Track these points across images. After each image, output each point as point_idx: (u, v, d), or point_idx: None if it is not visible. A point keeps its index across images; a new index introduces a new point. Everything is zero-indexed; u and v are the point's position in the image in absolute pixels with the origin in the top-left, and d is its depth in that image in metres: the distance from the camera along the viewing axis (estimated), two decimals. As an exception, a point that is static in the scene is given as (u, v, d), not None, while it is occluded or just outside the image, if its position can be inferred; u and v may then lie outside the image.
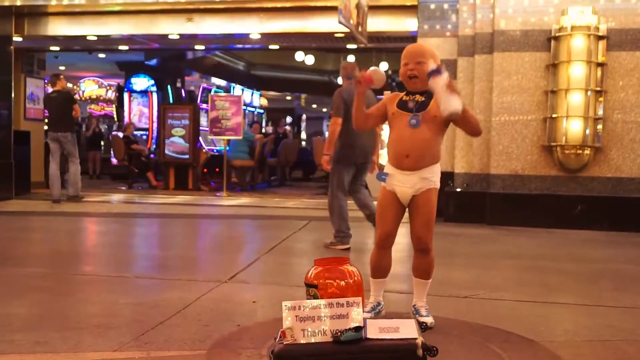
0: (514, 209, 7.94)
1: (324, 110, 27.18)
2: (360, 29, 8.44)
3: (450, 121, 3.01)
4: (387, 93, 4.77)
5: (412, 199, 3.10)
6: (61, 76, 9.78)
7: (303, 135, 24.14)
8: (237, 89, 18.24)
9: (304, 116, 25.09)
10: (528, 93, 7.99)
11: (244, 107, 16.41)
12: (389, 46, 10.72)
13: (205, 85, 16.33)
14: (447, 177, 8.35)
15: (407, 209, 3.16)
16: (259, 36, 10.38)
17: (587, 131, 7.72)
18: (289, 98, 23.72)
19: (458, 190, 8.32)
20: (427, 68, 2.98)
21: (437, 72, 2.86)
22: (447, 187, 8.28)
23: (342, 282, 2.61)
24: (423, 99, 3.07)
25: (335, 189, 5.77)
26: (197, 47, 12.25)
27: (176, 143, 12.28)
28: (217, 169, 12.98)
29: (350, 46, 11.68)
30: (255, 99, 20.13)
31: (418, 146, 3.03)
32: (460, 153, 8.47)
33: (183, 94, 15.69)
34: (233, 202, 10.12)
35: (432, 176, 3.08)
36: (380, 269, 3.21)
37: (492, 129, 8.09)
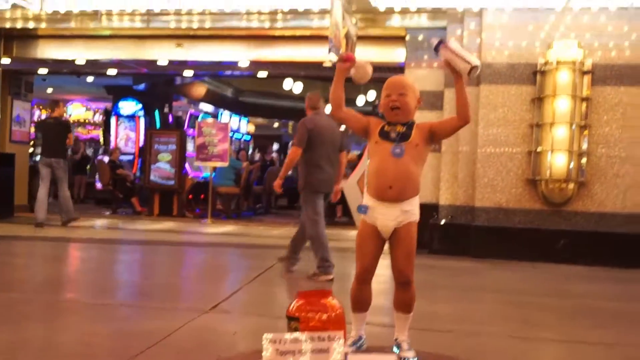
0: (498, 242, 7.89)
1: None
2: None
3: (468, 76, 2.99)
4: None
5: (393, 231, 3.08)
6: (60, 103, 9.78)
7: None
8: (224, 115, 18.18)
9: (291, 143, 24.85)
10: (513, 126, 7.97)
11: (231, 134, 16.21)
12: (377, 76, 10.18)
13: (192, 110, 16.30)
14: (431, 209, 8.27)
15: (387, 242, 3.14)
16: (248, 63, 10.39)
17: (572, 165, 7.69)
18: (276, 125, 23.52)
19: (442, 222, 8.22)
20: (409, 100, 3.07)
21: (441, 43, 2.92)
22: (431, 219, 8.19)
23: (324, 316, 2.59)
24: (404, 129, 3.09)
25: (312, 217, 5.75)
26: (185, 72, 12.23)
27: (162, 168, 12.20)
28: (202, 196, 12.81)
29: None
30: (243, 125, 20.06)
31: (401, 177, 3.03)
32: (445, 185, 8.40)
33: (170, 119, 15.63)
34: (218, 230, 10.03)
35: (413, 208, 3.09)
36: (361, 303, 3.18)
37: (478, 161, 8.04)
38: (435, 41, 3.03)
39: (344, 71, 3.18)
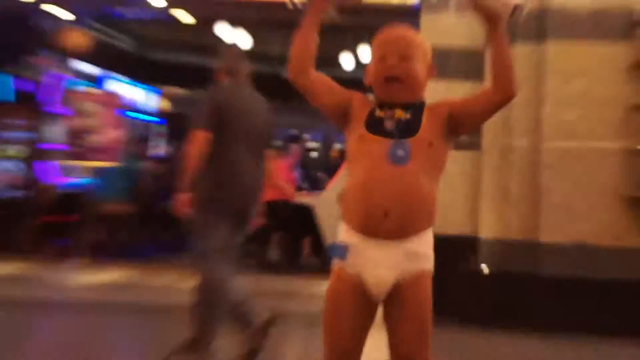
0: (580, 306, 7.70)
1: None
2: None
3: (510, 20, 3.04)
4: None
5: (392, 290, 3.03)
6: None
7: None
8: (118, 84, 17.98)
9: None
10: (602, 108, 7.84)
11: (129, 114, 16.00)
12: (375, 23, 10.51)
13: (65, 75, 16.07)
14: (464, 246, 8.13)
15: (380, 308, 3.13)
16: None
17: None
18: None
19: (485, 270, 8.05)
20: (416, 67, 3.10)
21: None
22: (465, 264, 8.00)
23: None
24: (409, 115, 3.05)
25: (206, 255, 5.66)
26: (55, 10, 12.43)
27: (3, 171, 12.17)
28: (72, 218, 12.55)
29: None
30: (150, 99, 20.14)
31: (405, 198, 2.98)
32: (488, 206, 8.24)
33: (27, 88, 15.46)
34: (96, 280, 9.77)
35: (426, 250, 3.06)
36: None
37: (543, 166, 7.90)
38: None
39: (321, 4, 3.18)
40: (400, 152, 3.00)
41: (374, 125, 3.08)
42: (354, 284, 3.07)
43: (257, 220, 6.03)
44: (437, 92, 8.41)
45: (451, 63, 8.31)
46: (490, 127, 8.08)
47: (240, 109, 5.89)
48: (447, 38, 8.31)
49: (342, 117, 3.20)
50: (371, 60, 3.20)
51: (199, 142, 5.66)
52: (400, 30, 3.23)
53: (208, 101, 5.80)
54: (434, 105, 3.14)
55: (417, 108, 3.10)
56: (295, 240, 11.65)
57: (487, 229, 8.33)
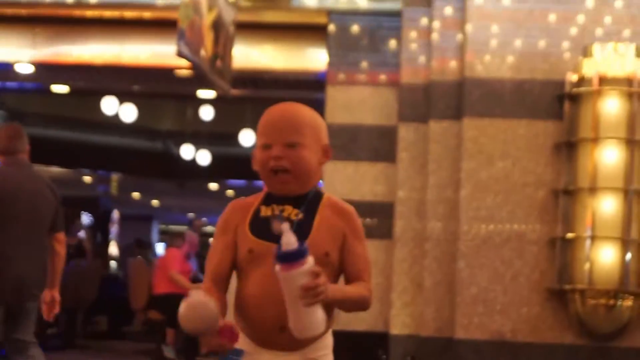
0: None
1: (155, 202, 26.78)
2: (219, 64, 8.59)
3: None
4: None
5: None
6: None
7: (113, 249, 23.62)
8: None
9: (115, 214, 24.90)
10: (524, 193, 7.96)
11: None
12: (277, 95, 10.44)
13: None
14: (374, 343, 8.20)
15: None
16: (33, 67, 10.45)
17: (628, 264, 7.65)
18: (87, 179, 23.43)
19: None
20: (306, 155, 2.93)
21: (293, 255, 2.70)
22: None
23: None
24: (301, 215, 2.94)
25: None
26: None
27: None
28: None
29: (203, 92, 11.91)
30: None
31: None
32: (401, 300, 8.31)
33: None
34: None
35: (325, 354, 3.01)
36: None
37: (460, 256, 7.95)
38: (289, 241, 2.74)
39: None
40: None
41: (259, 229, 2.93)
42: None
43: (46, 310, 5.93)
44: (346, 174, 8.21)
45: (360, 142, 8.25)
46: (402, 212, 8.30)
47: (12, 190, 5.74)
48: (357, 114, 8.37)
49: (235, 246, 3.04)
50: (257, 146, 3.04)
51: None
52: (286, 111, 3.02)
53: None
54: (335, 204, 2.99)
55: (311, 202, 2.97)
56: (191, 336, 10.98)
57: (399, 325, 8.37)
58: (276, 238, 2.82)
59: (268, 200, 3.00)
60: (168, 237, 13.22)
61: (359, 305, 3.00)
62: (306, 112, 3.03)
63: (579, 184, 7.75)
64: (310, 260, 2.72)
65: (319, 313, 2.80)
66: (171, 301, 9.87)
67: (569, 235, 7.69)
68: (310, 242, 2.86)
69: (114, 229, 24.08)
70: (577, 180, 7.77)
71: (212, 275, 3.02)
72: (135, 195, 25.38)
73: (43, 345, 12.78)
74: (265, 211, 2.98)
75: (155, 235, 27.97)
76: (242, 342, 2.97)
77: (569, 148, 7.88)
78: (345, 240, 2.98)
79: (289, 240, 2.69)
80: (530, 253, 7.93)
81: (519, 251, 7.95)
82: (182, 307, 2.83)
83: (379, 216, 8.32)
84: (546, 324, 7.83)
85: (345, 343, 8.60)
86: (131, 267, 12.59)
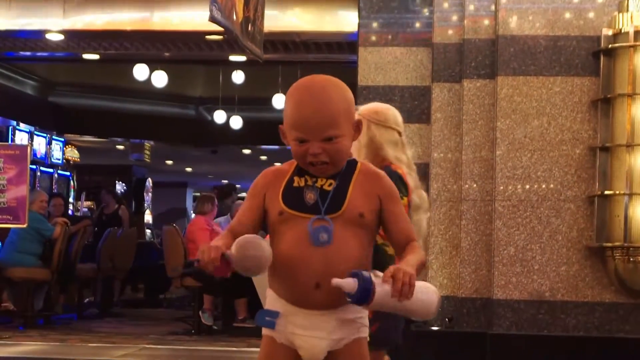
0: None
1: (189, 170, 27.16)
2: (250, 28, 8.54)
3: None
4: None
5: (327, 359, 3.03)
6: None
7: (148, 218, 23.80)
8: (20, 134, 17.77)
9: (150, 182, 24.95)
10: (560, 151, 7.91)
11: (33, 167, 15.95)
12: (308, 58, 11.06)
13: None
14: None
15: None
16: (62, 36, 10.73)
17: None
18: (120, 148, 23.62)
19: (435, 329, 8.07)
20: (342, 144, 3.00)
21: (364, 294, 2.84)
22: (415, 324, 7.84)
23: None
24: (332, 184, 3.02)
25: None
26: None
27: None
28: None
29: (234, 58, 12.19)
30: (57, 150, 19.64)
31: (335, 272, 2.91)
32: (437, 259, 8.28)
33: None
34: (6, 352, 9.45)
35: (362, 315, 3.06)
36: None
37: (496, 216, 7.94)
38: (350, 286, 2.90)
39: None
40: (323, 236, 2.98)
41: (293, 199, 3.03)
42: (285, 354, 3.09)
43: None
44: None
45: (393, 103, 8.30)
46: (438, 173, 8.20)
47: None
48: (389, 76, 8.36)
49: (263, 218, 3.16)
50: (288, 132, 3.06)
51: None
52: (318, 103, 3.02)
53: None
54: (368, 170, 3.08)
55: (345, 172, 3.06)
56: (228, 302, 11.46)
57: (437, 286, 7.83)
58: (307, 208, 3.02)
59: (302, 171, 3.08)
60: (196, 203, 13.25)
61: (422, 267, 3.05)
62: (335, 95, 3.06)
63: (616, 140, 7.69)
64: (375, 280, 2.84)
65: (418, 292, 2.87)
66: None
67: (607, 192, 7.70)
68: (345, 209, 3.01)
69: (148, 197, 24.22)
70: (614, 136, 7.71)
71: (229, 230, 3.13)
72: (169, 162, 25.65)
73: (80, 314, 12.94)
74: (298, 182, 3.08)
75: (189, 202, 28.06)
76: (277, 304, 3.11)
77: (605, 104, 7.81)
78: (381, 203, 3.07)
79: (349, 287, 2.86)
80: (567, 211, 7.90)
81: (556, 210, 7.93)
82: (235, 247, 2.97)
83: (414, 178, 8.30)
84: (585, 282, 7.84)
85: None
86: (166, 234, 12.68)
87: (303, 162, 3.06)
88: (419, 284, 2.87)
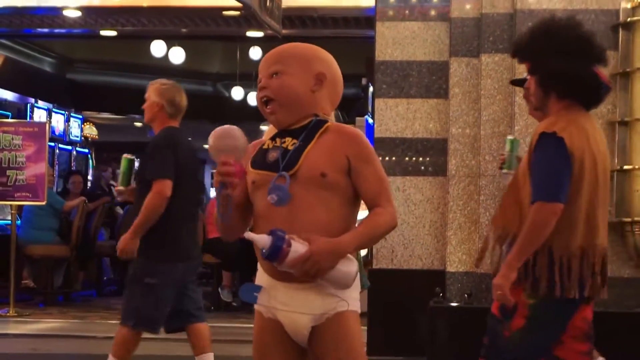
0: None
1: (207, 146, 26.53)
2: (269, 4, 8.61)
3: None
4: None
5: (312, 334, 3.04)
6: None
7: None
8: (39, 111, 17.70)
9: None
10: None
11: (52, 144, 15.93)
12: (326, 34, 11.00)
13: None
14: (432, 280, 8.05)
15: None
16: (79, 13, 10.67)
17: None
18: (138, 125, 23.30)
19: (454, 305, 7.99)
20: (287, 80, 3.06)
21: (274, 251, 2.87)
22: (433, 299, 7.85)
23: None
24: (296, 142, 3.01)
25: None
26: None
27: None
28: None
29: (252, 34, 12.04)
30: (75, 127, 19.66)
31: (299, 233, 2.90)
32: (456, 235, 8.22)
33: None
34: (26, 329, 9.65)
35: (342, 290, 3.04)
36: None
37: None
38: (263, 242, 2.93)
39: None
40: (278, 194, 2.96)
41: (257, 160, 3.08)
42: (273, 328, 3.10)
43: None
44: (397, 112, 8.22)
45: (411, 78, 8.18)
46: (456, 148, 8.17)
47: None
48: (405, 50, 8.34)
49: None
50: None
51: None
52: (279, 47, 3.18)
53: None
54: (340, 130, 3.06)
55: (310, 131, 3.05)
56: (247, 278, 10.98)
57: (456, 262, 8.27)
58: (271, 167, 3.03)
59: (275, 135, 3.14)
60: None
61: (379, 235, 3.11)
62: (298, 46, 3.21)
63: (634, 114, 7.64)
64: (295, 248, 2.87)
65: (333, 274, 2.93)
66: (225, 245, 10.04)
67: (626, 167, 7.63)
68: (304, 166, 3.00)
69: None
70: (633, 111, 7.66)
71: None
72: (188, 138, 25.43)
73: (99, 292, 13.02)
74: (268, 144, 3.13)
75: (207, 179, 27.87)
76: (263, 278, 3.14)
77: (624, 78, 7.72)
78: (350, 164, 3.03)
79: (262, 242, 2.89)
80: None
81: None
82: (217, 130, 3.07)
83: (432, 153, 8.29)
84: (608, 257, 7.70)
85: (402, 282, 8.69)
86: None
87: (259, 105, 3.16)
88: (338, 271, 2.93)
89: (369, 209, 3.04)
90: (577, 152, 3.89)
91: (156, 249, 5.93)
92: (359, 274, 3.11)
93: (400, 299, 8.02)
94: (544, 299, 4.00)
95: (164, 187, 5.75)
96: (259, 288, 3.12)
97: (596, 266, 4.10)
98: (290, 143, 3.06)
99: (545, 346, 3.96)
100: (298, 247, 2.87)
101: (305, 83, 3.08)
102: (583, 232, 4.00)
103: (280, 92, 3.06)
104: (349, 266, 2.95)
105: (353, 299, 3.10)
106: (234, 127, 3.03)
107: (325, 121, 3.07)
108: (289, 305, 3.06)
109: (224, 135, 3.04)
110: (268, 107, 3.10)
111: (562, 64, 3.97)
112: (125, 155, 6.41)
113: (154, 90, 6.16)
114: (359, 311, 3.15)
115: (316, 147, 3.00)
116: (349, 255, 2.95)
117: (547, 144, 3.91)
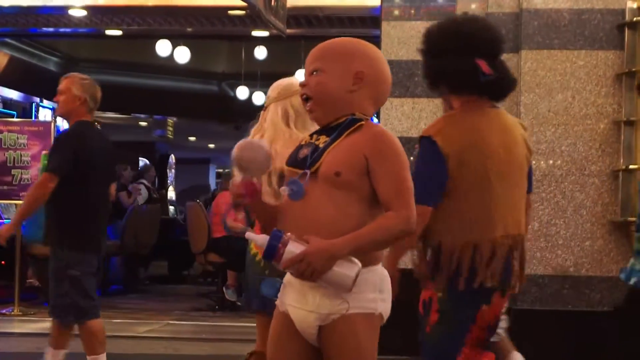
0: (562, 341, 7.63)
1: (212, 146, 26.99)
2: (273, 3, 8.63)
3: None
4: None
5: (320, 334, 2.99)
6: None
7: (171, 194, 23.62)
8: (44, 110, 17.70)
9: (173, 158, 24.81)
10: (584, 125, 7.83)
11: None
12: (331, 33, 10.34)
13: None
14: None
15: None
16: (85, 12, 10.72)
17: None
18: (143, 124, 23.60)
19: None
20: (324, 80, 3.03)
21: (270, 250, 2.88)
22: None
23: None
24: (327, 140, 2.99)
25: None
26: None
27: None
28: (2, 262, 12.48)
29: (257, 33, 12.11)
30: None
31: (309, 229, 2.92)
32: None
33: None
34: (31, 328, 9.68)
35: (357, 291, 2.96)
36: None
37: None
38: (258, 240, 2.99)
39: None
40: (293, 187, 2.98)
41: (292, 156, 3.10)
42: (287, 322, 3.08)
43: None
44: (402, 111, 8.21)
45: (417, 77, 8.17)
46: None
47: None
48: (411, 49, 8.18)
49: None
50: None
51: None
52: (324, 42, 3.14)
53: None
54: (367, 129, 3.00)
55: (343, 129, 3.01)
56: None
57: None
58: (300, 163, 3.05)
59: (314, 132, 3.12)
60: (220, 180, 13.10)
61: (383, 240, 2.99)
62: (340, 42, 3.14)
63: None
64: (290, 248, 2.86)
65: (329, 276, 2.88)
66: (230, 244, 10.04)
67: (632, 166, 7.64)
68: (325, 162, 2.97)
69: (171, 174, 24.11)
70: (639, 110, 7.68)
71: None
72: (192, 138, 25.53)
73: (104, 291, 12.90)
74: (305, 140, 3.15)
75: (212, 178, 27.91)
76: (288, 274, 3.11)
77: (629, 78, 7.67)
78: (368, 163, 2.96)
79: (260, 242, 2.91)
80: (592, 186, 7.84)
81: (581, 184, 7.85)
82: (240, 142, 3.08)
83: (437, 153, 8.22)
84: (609, 257, 7.77)
85: (410, 281, 8.71)
86: (189, 211, 12.66)
87: (302, 103, 3.19)
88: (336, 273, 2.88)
89: (385, 211, 2.96)
90: (453, 152, 3.89)
91: (75, 240, 6.05)
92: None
93: (411, 299, 7.94)
94: (448, 291, 4.04)
95: (49, 181, 5.89)
96: (280, 283, 3.15)
97: (494, 259, 4.14)
98: (322, 141, 3.04)
99: (460, 339, 3.98)
100: (293, 248, 2.86)
101: (342, 82, 3.04)
102: (474, 227, 3.99)
103: (316, 91, 3.05)
104: (349, 268, 2.89)
105: (368, 301, 3.02)
106: (259, 140, 3.08)
107: (359, 120, 3.01)
108: (299, 302, 3.04)
109: (244, 147, 3.04)
110: (307, 104, 3.11)
111: (442, 61, 4.03)
112: (44, 152, 6.58)
113: (75, 84, 6.30)
114: (379, 313, 3.05)
115: (339, 145, 2.97)
116: (352, 258, 2.88)
117: (422, 147, 3.97)
